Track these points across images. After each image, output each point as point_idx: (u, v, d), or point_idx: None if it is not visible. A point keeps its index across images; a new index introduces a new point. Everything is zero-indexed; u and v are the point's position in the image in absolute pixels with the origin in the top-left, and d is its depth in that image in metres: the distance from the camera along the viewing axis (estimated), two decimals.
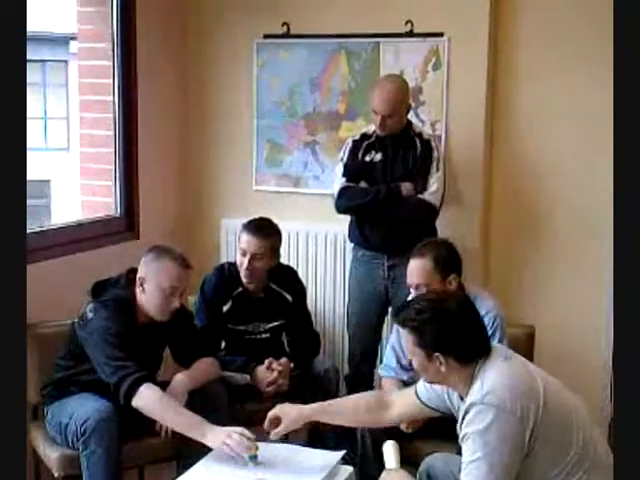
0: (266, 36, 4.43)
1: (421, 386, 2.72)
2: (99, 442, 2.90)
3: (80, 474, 2.97)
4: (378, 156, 3.85)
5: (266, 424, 2.81)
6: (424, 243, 3.28)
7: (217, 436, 2.72)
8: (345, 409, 2.89)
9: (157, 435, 3.09)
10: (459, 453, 2.83)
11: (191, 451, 2.86)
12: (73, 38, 6.16)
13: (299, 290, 3.80)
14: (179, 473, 2.79)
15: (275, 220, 3.72)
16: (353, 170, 3.85)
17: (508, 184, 4.20)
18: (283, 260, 3.91)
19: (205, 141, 4.64)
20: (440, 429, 3.11)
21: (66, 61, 12.55)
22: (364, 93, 4.27)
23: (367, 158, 3.86)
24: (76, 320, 3.13)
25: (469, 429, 2.33)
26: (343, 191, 3.83)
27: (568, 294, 4.12)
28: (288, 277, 3.78)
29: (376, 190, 3.78)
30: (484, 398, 2.30)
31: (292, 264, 4.09)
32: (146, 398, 2.91)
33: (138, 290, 3.12)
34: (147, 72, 4.22)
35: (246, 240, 3.58)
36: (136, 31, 4.14)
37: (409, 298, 3.33)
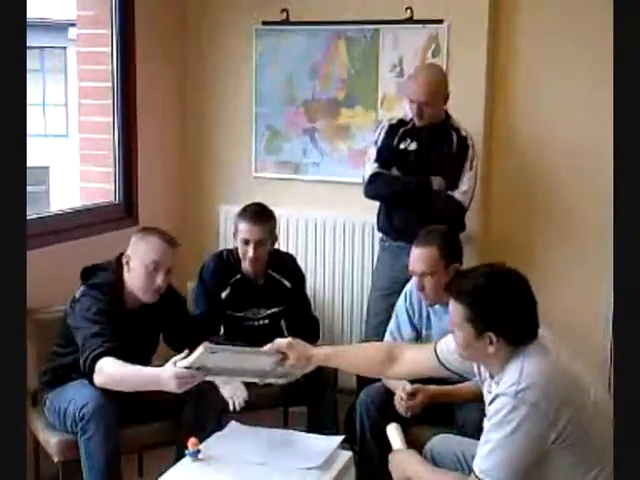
0: (265, 23, 4.42)
1: (442, 345, 2.61)
2: (97, 427, 2.91)
3: (79, 459, 2.98)
4: (413, 145, 3.80)
5: (268, 347, 2.75)
6: (429, 231, 3.27)
7: (168, 380, 2.71)
8: (355, 356, 2.87)
9: (156, 420, 3.14)
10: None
11: (190, 436, 2.87)
12: (72, 24, 6.14)
13: (298, 277, 3.80)
14: (178, 458, 2.81)
15: (274, 207, 3.73)
16: (386, 156, 3.81)
17: (508, 170, 4.20)
18: (281, 247, 3.91)
19: (204, 128, 4.64)
20: (438, 414, 3.14)
21: (65, 47, 12.51)
22: (363, 80, 4.29)
23: (402, 146, 3.81)
24: (68, 306, 3.16)
25: (495, 419, 2.24)
26: (374, 177, 3.79)
27: (567, 279, 4.13)
28: (287, 264, 3.79)
29: (407, 181, 3.75)
30: (518, 393, 2.21)
31: (291, 251, 4.10)
32: (102, 374, 2.91)
33: (125, 269, 3.14)
34: (146, 59, 4.22)
35: (247, 229, 3.57)
36: (135, 17, 4.13)
37: (411, 284, 3.35)
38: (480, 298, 2.32)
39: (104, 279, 3.15)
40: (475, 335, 2.32)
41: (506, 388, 2.24)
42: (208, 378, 2.76)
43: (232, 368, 2.75)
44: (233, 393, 3.21)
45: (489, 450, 2.26)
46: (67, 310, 3.15)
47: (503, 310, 2.31)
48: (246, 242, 3.58)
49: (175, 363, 2.71)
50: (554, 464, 2.27)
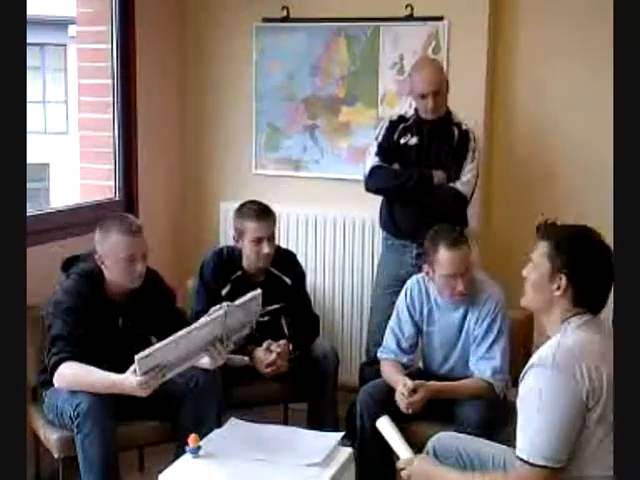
0: (265, 20, 4.42)
1: None
2: (92, 425, 2.91)
3: None
4: (413, 140, 3.80)
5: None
6: (447, 230, 3.29)
7: (134, 389, 2.81)
8: None
9: (156, 417, 3.14)
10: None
11: (190, 432, 2.88)
12: (72, 22, 6.13)
13: (298, 273, 3.80)
14: (178, 454, 2.82)
15: (274, 204, 3.73)
16: (387, 150, 3.81)
17: (508, 167, 4.20)
18: (282, 244, 3.91)
19: (204, 125, 4.64)
20: (439, 411, 3.14)
21: (65, 45, 12.50)
22: (363, 77, 4.28)
23: (402, 140, 3.81)
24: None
25: (531, 395, 2.21)
26: (374, 170, 3.79)
27: None
28: (287, 261, 3.78)
29: (408, 174, 3.74)
30: (554, 362, 2.19)
31: (291, 248, 4.10)
32: (62, 377, 2.98)
33: (103, 267, 3.14)
34: (146, 56, 4.21)
35: (258, 227, 3.56)
36: (134, 14, 4.13)
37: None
38: (568, 240, 2.33)
39: (82, 268, 3.16)
40: (549, 273, 2.31)
41: (541, 358, 2.23)
42: (170, 375, 2.84)
43: (182, 354, 2.85)
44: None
45: (534, 430, 2.20)
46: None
47: (584, 259, 2.30)
48: (259, 240, 3.56)
49: (134, 372, 2.79)
50: (592, 433, 2.21)
